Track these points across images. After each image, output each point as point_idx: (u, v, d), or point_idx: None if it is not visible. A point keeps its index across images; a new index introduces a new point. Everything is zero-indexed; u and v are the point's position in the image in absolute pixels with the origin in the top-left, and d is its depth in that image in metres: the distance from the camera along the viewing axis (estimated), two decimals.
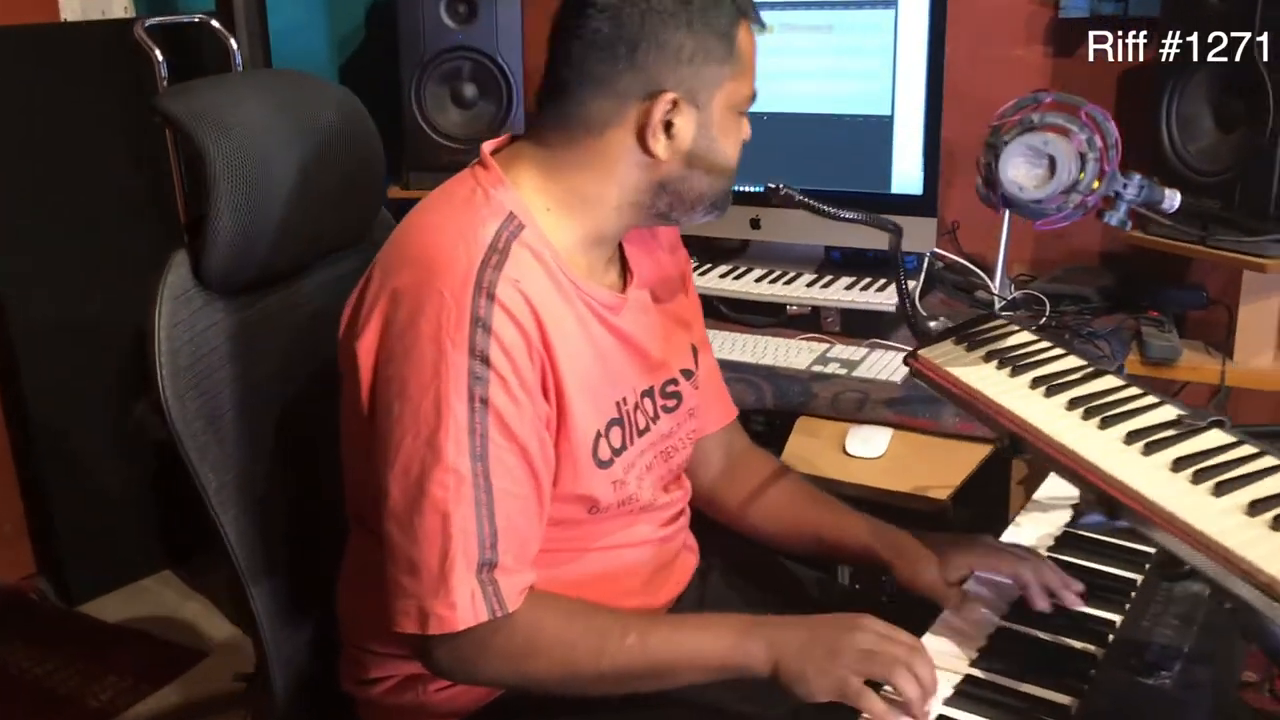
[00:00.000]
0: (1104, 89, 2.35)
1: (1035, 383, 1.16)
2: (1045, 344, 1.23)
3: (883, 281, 2.23)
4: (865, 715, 1.09)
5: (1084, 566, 1.36)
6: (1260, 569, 0.84)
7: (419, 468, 1.12)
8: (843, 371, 1.98)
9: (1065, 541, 1.42)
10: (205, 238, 1.25)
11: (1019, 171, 1.08)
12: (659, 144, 1.21)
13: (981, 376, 1.20)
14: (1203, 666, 1.15)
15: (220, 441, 1.29)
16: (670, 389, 1.38)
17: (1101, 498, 0.99)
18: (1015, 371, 1.19)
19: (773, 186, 1.30)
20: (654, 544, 1.38)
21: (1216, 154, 1.95)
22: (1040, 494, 1.55)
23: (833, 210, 1.27)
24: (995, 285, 2.28)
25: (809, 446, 1.83)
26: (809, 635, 1.14)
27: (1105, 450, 1.01)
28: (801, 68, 2.29)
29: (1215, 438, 1.00)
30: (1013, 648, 1.21)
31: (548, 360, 1.19)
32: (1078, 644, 1.22)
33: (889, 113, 2.23)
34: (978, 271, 2.32)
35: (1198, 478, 0.95)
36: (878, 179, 2.27)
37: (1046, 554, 1.39)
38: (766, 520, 1.49)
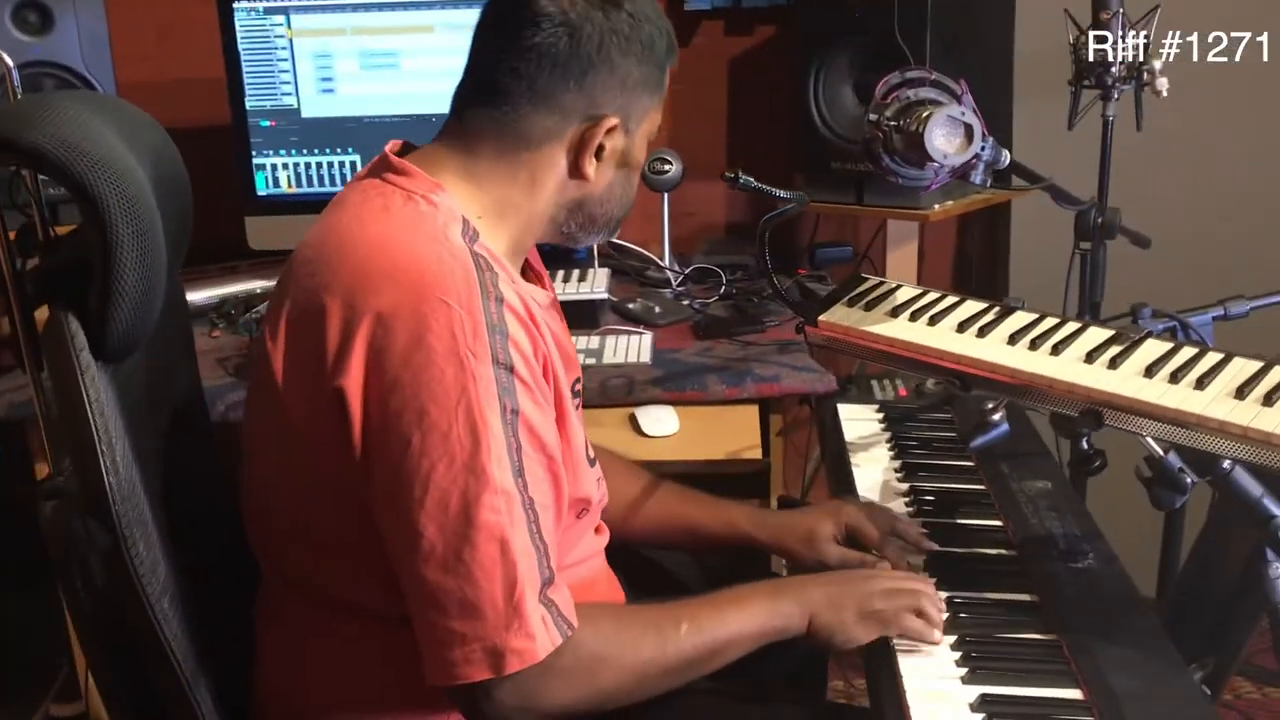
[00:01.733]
0: (718, 75, 2.60)
1: (961, 327, 1.31)
2: (935, 293, 1.39)
3: (578, 272, 2.29)
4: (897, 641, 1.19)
5: (943, 488, 1.54)
6: None
7: (461, 497, 1.04)
8: (591, 361, 2.02)
9: (909, 470, 1.60)
10: (105, 299, 1.03)
11: (944, 141, 1.21)
12: (591, 166, 1.20)
13: (902, 330, 1.33)
14: (1099, 543, 1.37)
15: (146, 536, 1.07)
16: (577, 388, 1.37)
17: (1089, 414, 1.16)
18: (933, 320, 1.33)
19: (731, 176, 1.32)
20: (601, 553, 1.37)
21: (861, 124, 2.23)
22: (850, 437, 1.72)
23: (777, 193, 1.33)
24: (666, 263, 2.45)
25: (605, 437, 1.84)
26: (835, 589, 1.21)
27: (1080, 371, 1.18)
28: None
29: (1156, 345, 1.21)
30: (949, 567, 1.36)
31: (549, 359, 1.15)
32: (992, 551, 1.40)
33: None
34: (644, 253, 2.47)
35: (1175, 377, 1.14)
36: None
37: (902, 483, 1.56)
38: (645, 522, 1.51)
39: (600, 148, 1.20)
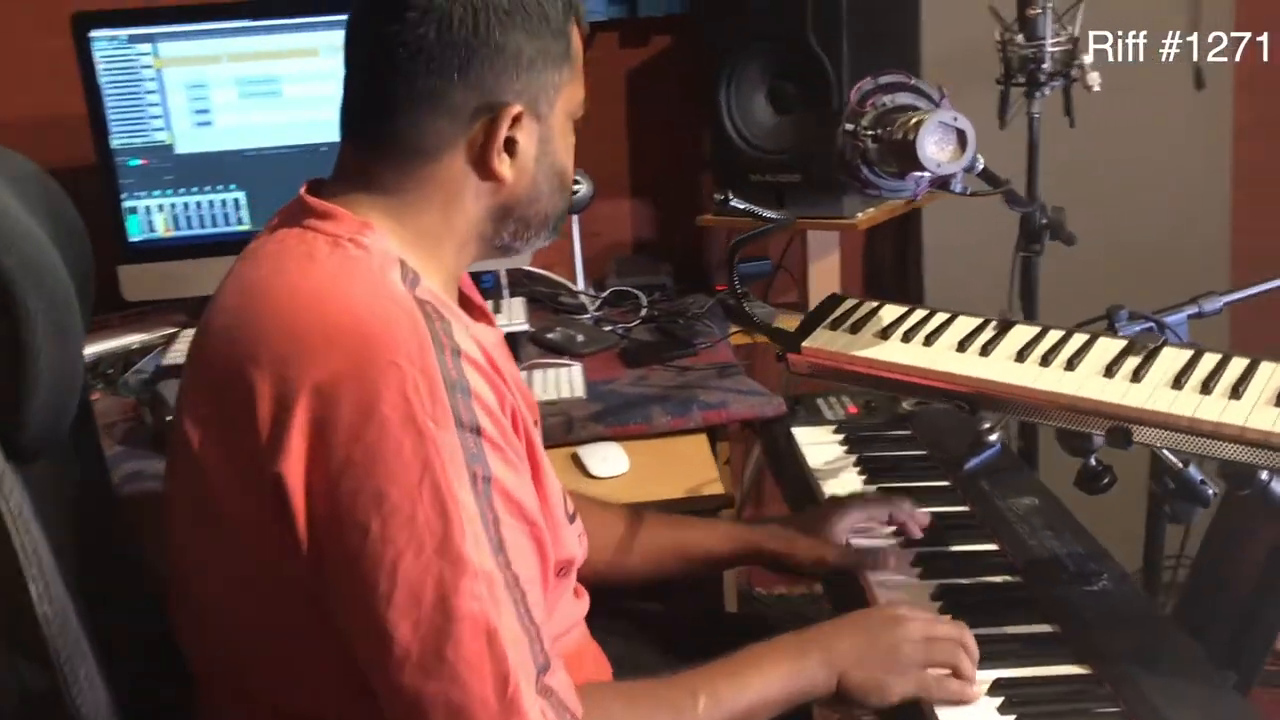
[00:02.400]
0: (616, 88, 2.49)
1: (961, 346, 1.23)
2: (922, 311, 1.30)
3: (491, 304, 2.15)
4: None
5: (928, 513, 1.46)
6: None
7: (435, 588, 0.90)
8: None
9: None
10: (19, 383, 0.85)
11: (937, 149, 1.13)
12: (503, 164, 1.06)
13: (898, 352, 1.24)
14: (1108, 562, 1.31)
15: (88, 671, 0.90)
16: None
17: (1117, 431, 1.09)
18: (929, 340, 1.25)
19: (721, 198, 1.21)
20: (582, 620, 1.24)
21: (779, 134, 2.15)
22: (815, 463, 1.63)
23: (765, 213, 1.23)
24: (580, 287, 2.33)
25: None
26: (863, 642, 1.12)
27: (1102, 387, 1.11)
28: None
29: (1175, 354, 1.15)
30: (959, 599, 1.27)
31: (516, 409, 1.02)
32: (998, 579, 1.32)
33: None
34: (554, 278, 2.35)
35: (1206, 387, 1.08)
36: None
37: None
38: (640, 558, 1.40)
39: (510, 141, 1.06)
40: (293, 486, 0.91)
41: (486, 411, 0.96)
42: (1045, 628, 1.21)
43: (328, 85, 2.07)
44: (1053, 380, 1.15)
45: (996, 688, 1.11)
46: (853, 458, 1.63)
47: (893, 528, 1.41)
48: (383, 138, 1.05)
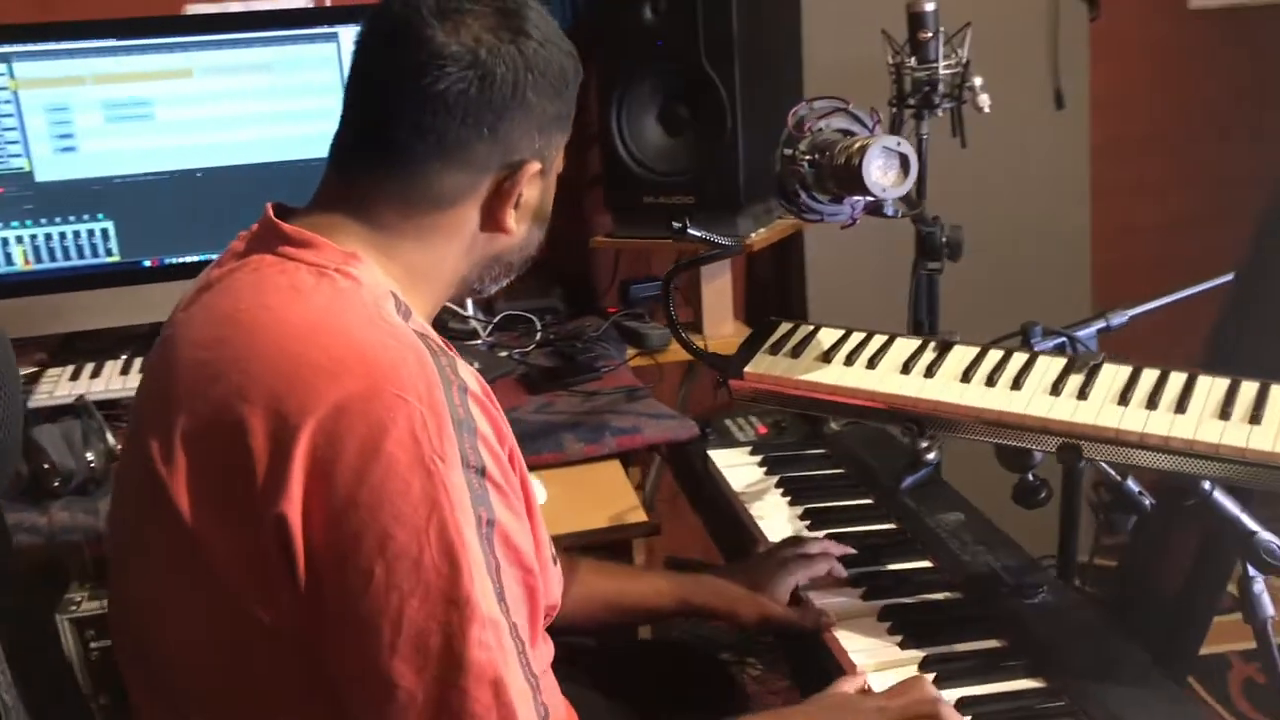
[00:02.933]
0: None
1: (905, 367, 1.23)
2: (860, 334, 1.31)
3: None
4: None
5: (858, 532, 1.47)
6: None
7: (441, 635, 0.86)
8: None
9: (815, 517, 1.52)
10: None
11: (881, 174, 1.13)
12: (512, 217, 1.05)
13: (843, 376, 1.24)
14: (1043, 573, 1.34)
15: None
16: None
17: (1068, 449, 1.11)
18: (871, 363, 1.25)
19: (680, 226, 1.18)
20: (549, 668, 1.20)
21: (672, 156, 2.15)
22: (738, 486, 1.63)
23: (718, 239, 1.21)
24: (470, 311, 2.27)
25: None
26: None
27: (1051, 405, 1.13)
28: (239, 113, 2.01)
29: (1116, 371, 1.18)
30: (908, 620, 1.28)
31: (513, 448, 1.00)
32: (939, 596, 1.33)
33: None
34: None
35: (1152, 403, 1.11)
36: None
37: (814, 532, 1.48)
38: (574, 610, 1.34)
39: (520, 195, 1.04)
40: (294, 528, 0.86)
41: (490, 451, 0.92)
42: (994, 643, 1.23)
43: (203, 108, 1.99)
44: (1001, 400, 1.17)
45: (961, 706, 1.11)
46: (774, 479, 1.63)
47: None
48: (396, 183, 1.00)
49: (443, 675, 0.86)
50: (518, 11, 1.00)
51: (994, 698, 1.14)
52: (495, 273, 1.11)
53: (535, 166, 1.03)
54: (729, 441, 1.80)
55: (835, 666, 1.24)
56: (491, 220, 1.04)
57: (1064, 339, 1.45)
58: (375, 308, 0.96)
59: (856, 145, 1.16)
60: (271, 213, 1.04)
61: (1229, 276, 1.39)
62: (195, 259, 2.01)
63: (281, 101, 2.02)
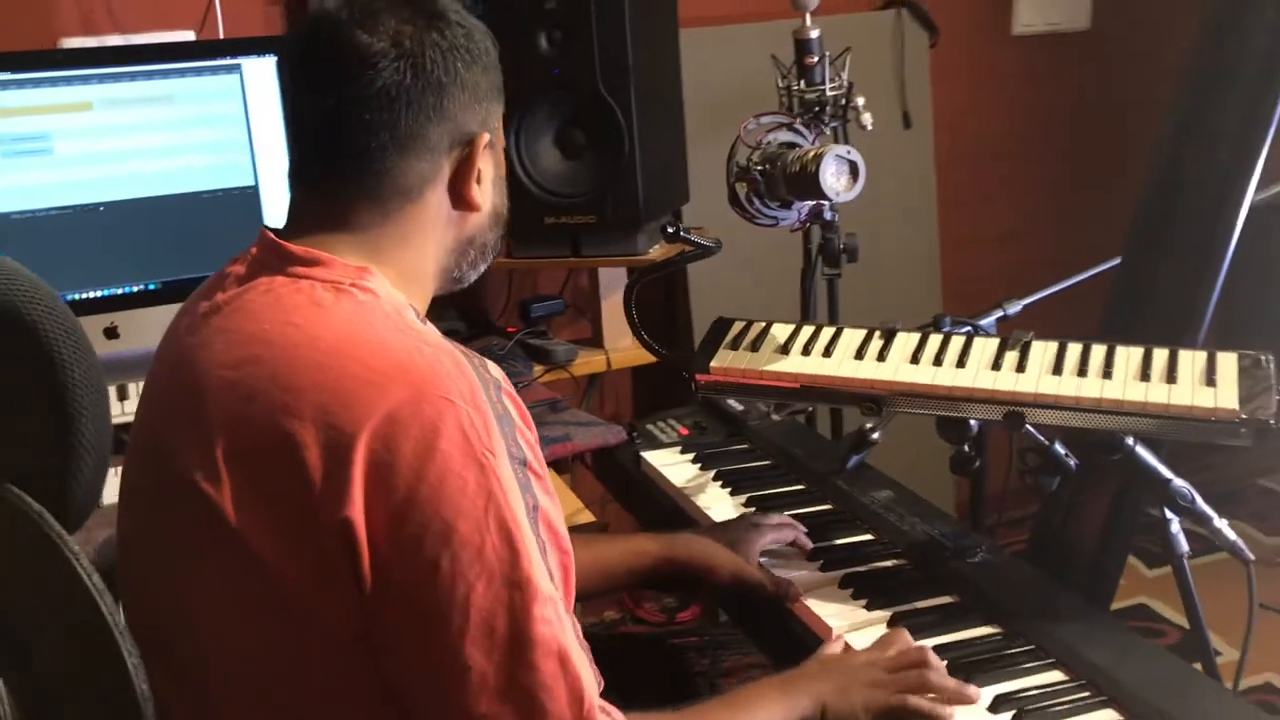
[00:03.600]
0: None
1: (859, 354, 1.36)
2: (810, 327, 1.43)
3: None
4: None
5: (796, 514, 1.58)
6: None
7: (508, 616, 0.93)
8: None
9: (758, 504, 1.63)
10: (68, 456, 0.79)
11: (835, 179, 1.26)
12: (476, 191, 1.11)
13: (803, 365, 1.36)
14: (977, 536, 1.49)
15: None
16: None
17: (1012, 416, 1.26)
18: (827, 352, 1.37)
19: (672, 230, 1.27)
20: None
21: (571, 178, 2.24)
22: (678, 482, 1.72)
23: (702, 241, 1.30)
24: None
25: None
26: (840, 675, 1.20)
27: (995, 378, 1.28)
28: (141, 145, 1.99)
29: (1044, 346, 1.33)
30: (868, 586, 1.40)
31: (538, 439, 1.08)
32: (889, 563, 1.46)
33: (253, 182, 2.08)
34: None
35: (1082, 371, 1.27)
36: None
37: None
38: None
39: (478, 170, 1.11)
40: (359, 530, 0.90)
41: (527, 442, 0.99)
42: (949, 599, 1.36)
43: (104, 141, 1.97)
44: (949, 376, 1.31)
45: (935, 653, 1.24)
46: (710, 473, 1.73)
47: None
48: (363, 185, 1.05)
49: (512, 652, 0.92)
50: (428, 1, 1.08)
51: (961, 644, 1.27)
52: (472, 257, 1.16)
53: (485, 138, 1.10)
54: (656, 444, 1.89)
55: (810, 634, 1.34)
56: (459, 199, 1.10)
57: (970, 327, 1.61)
58: (399, 317, 1.02)
59: (811, 154, 1.29)
60: (272, 236, 1.08)
61: (1116, 261, 1.58)
62: (99, 294, 1.98)
63: (184, 133, 2.02)
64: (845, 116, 2.02)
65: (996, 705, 1.16)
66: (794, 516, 1.55)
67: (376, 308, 1.01)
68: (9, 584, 0.79)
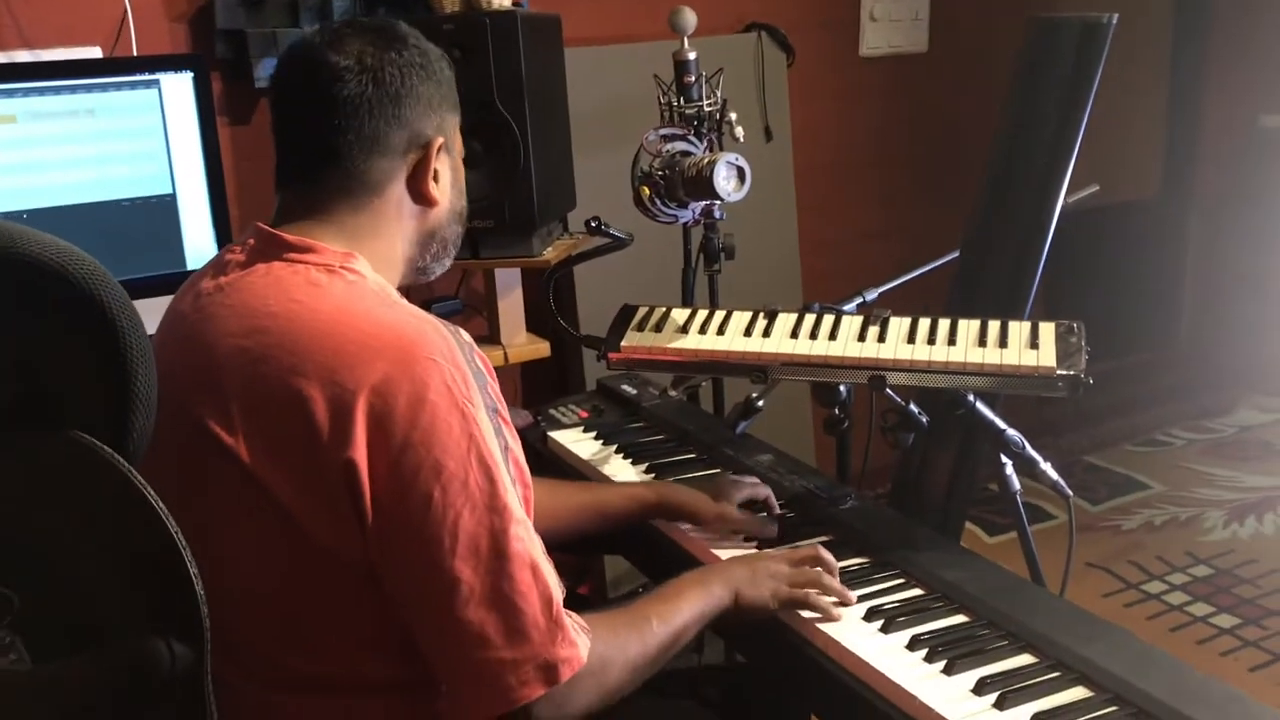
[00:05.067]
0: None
1: (747, 331, 1.59)
2: (704, 311, 1.65)
3: None
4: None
5: (690, 478, 1.81)
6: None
7: (489, 536, 1.13)
8: None
9: (657, 471, 1.85)
10: (126, 399, 0.96)
11: (726, 182, 1.48)
12: (433, 188, 1.31)
13: (700, 341, 1.59)
14: (846, 488, 1.74)
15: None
16: None
17: (875, 379, 1.51)
18: (721, 330, 1.60)
19: (595, 224, 1.46)
20: None
21: (471, 185, 2.40)
22: (585, 455, 1.93)
23: (619, 234, 1.50)
24: None
25: None
26: (749, 570, 1.42)
27: (862, 348, 1.52)
28: (64, 156, 2.11)
29: (900, 322, 1.58)
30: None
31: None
32: (778, 513, 1.70)
33: (170, 191, 2.21)
34: None
35: (931, 339, 1.52)
36: (170, 259, 2.24)
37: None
38: (564, 524, 1.61)
39: (435, 170, 1.31)
40: (361, 470, 1.09)
41: (495, 394, 1.19)
42: (827, 537, 1.60)
43: (27, 152, 2.09)
44: (824, 347, 1.55)
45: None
46: (613, 447, 1.94)
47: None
48: (339, 180, 1.25)
49: (494, 566, 1.12)
50: (389, 28, 1.30)
51: (841, 571, 1.51)
52: (434, 249, 1.36)
53: (439, 141, 1.30)
54: (559, 425, 2.09)
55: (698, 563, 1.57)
56: (419, 195, 1.30)
57: (835, 312, 1.86)
58: (385, 293, 1.21)
59: (705, 161, 1.51)
60: (268, 227, 1.26)
61: (955, 254, 1.85)
62: None
63: (105, 145, 2.14)
64: (720, 130, 2.27)
65: (869, 616, 1.40)
66: (691, 479, 1.78)
67: (364, 286, 1.20)
68: (76, 523, 0.94)
